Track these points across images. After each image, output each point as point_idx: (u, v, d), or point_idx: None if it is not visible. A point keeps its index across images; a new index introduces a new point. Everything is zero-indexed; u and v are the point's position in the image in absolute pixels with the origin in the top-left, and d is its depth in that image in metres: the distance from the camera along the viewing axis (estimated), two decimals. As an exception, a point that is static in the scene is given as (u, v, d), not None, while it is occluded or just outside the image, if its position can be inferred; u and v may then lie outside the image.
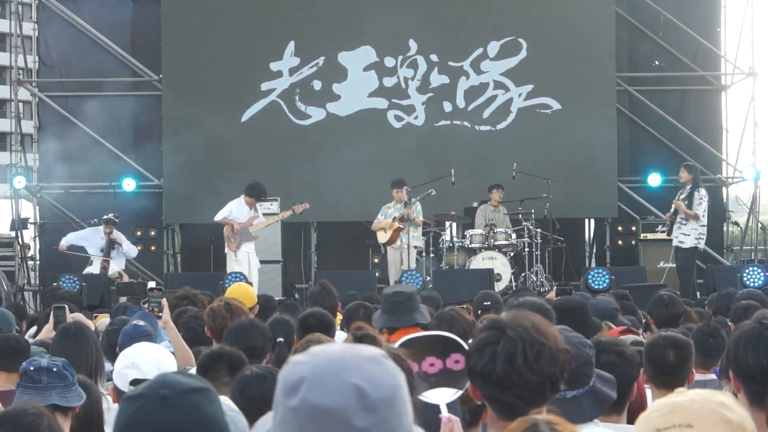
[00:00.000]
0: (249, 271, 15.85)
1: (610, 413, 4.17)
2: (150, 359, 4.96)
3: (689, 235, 15.96)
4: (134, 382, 4.84)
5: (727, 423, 2.35)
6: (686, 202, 15.85)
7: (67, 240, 17.40)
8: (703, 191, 16.07)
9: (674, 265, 16.55)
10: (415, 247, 16.59)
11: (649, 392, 4.99)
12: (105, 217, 17.38)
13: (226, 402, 3.47)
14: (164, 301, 7.46)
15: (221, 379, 4.80)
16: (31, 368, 4.70)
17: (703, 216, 15.96)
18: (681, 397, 2.40)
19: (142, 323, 6.75)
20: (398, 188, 16.65)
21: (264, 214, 16.56)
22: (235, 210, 16.19)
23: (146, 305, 7.58)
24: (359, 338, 3.00)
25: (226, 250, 16.29)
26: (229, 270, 15.92)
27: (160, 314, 7.28)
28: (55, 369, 4.67)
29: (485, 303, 8.72)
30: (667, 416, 2.36)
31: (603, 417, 4.09)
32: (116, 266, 17.22)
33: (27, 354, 6.06)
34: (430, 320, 6.46)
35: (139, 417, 2.30)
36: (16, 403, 4.38)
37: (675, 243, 16.04)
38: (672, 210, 16.05)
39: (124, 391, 4.89)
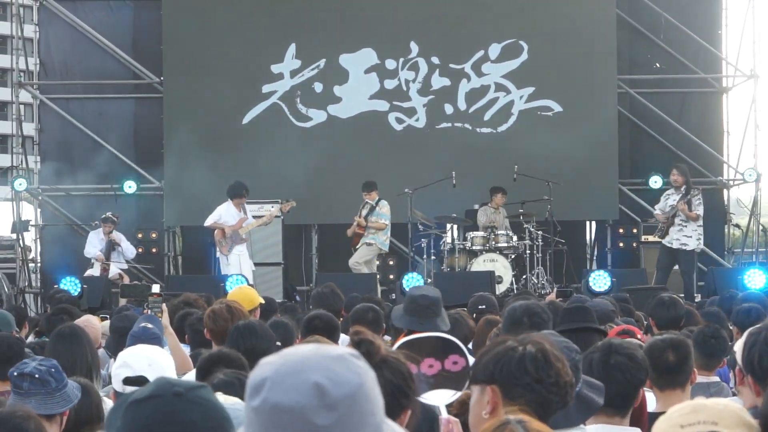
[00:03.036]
0: (241, 273, 16.00)
1: (613, 416, 4.17)
2: (141, 357, 4.98)
3: (691, 236, 15.97)
4: (126, 380, 4.85)
5: (748, 426, 2.37)
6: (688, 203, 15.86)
7: (94, 251, 17.38)
8: (698, 192, 16.08)
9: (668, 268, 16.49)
10: (368, 243, 16.79)
11: (651, 396, 4.98)
12: (104, 216, 17.42)
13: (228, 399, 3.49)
14: (164, 306, 7.49)
15: None
16: (15, 374, 4.70)
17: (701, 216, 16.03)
18: (703, 400, 2.45)
19: (150, 326, 6.77)
20: (364, 191, 16.87)
21: (254, 216, 16.66)
22: (225, 214, 16.38)
23: (147, 310, 7.60)
24: (357, 343, 2.99)
25: (218, 254, 16.46)
26: (223, 273, 16.12)
27: (160, 318, 7.31)
28: (37, 375, 4.64)
29: (480, 307, 8.64)
30: (691, 414, 2.39)
31: (606, 420, 4.10)
32: (117, 268, 17.24)
33: (21, 356, 6.06)
34: (449, 328, 6.43)
35: (161, 417, 2.28)
36: (5, 406, 4.39)
37: (676, 246, 15.99)
38: (669, 212, 16.00)
39: (119, 391, 4.90)
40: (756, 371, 3.48)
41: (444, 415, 3.35)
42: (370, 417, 2.04)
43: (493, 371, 3.19)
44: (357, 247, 16.88)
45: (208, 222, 16.47)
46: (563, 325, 5.92)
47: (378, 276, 17.12)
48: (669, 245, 16.04)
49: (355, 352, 2.10)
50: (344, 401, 2.00)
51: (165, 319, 7.25)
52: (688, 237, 15.94)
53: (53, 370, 4.71)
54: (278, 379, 2.01)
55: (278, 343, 6.39)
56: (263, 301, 8.78)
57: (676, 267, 16.29)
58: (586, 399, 3.64)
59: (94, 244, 17.48)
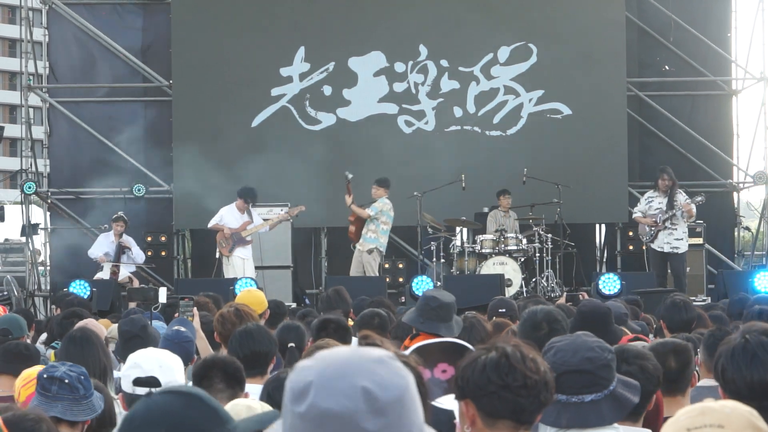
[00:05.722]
0: (244, 276, 15.98)
1: (624, 420, 4.16)
2: (151, 358, 4.99)
3: (682, 239, 16.11)
4: (136, 381, 4.87)
5: (756, 429, 2.37)
6: (672, 206, 15.91)
7: (98, 252, 17.35)
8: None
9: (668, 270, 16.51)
10: (368, 251, 16.43)
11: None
12: (115, 215, 17.43)
13: (249, 403, 3.48)
14: (195, 309, 7.53)
15: (215, 386, 4.83)
16: (45, 375, 4.67)
17: None
18: (712, 403, 2.45)
19: (183, 329, 6.78)
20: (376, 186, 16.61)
21: (264, 219, 16.70)
22: (226, 215, 16.49)
23: (177, 314, 7.64)
24: (365, 347, 2.99)
25: (218, 254, 16.50)
26: (225, 275, 16.13)
27: (191, 321, 7.35)
28: (67, 380, 4.61)
29: (500, 310, 8.68)
30: (698, 417, 2.39)
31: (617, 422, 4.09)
32: (126, 271, 17.25)
33: (36, 360, 6.06)
34: (456, 335, 6.38)
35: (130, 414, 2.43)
36: (14, 410, 4.38)
37: (667, 249, 16.06)
38: (658, 216, 16.00)
39: (129, 394, 4.91)
40: (721, 383, 3.51)
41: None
42: (416, 418, 2.05)
43: (462, 386, 3.19)
44: (357, 247, 16.69)
45: (210, 224, 16.68)
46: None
47: (387, 279, 17.12)
48: (660, 250, 16.13)
49: (391, 354, 2.09)
50: (393, 406, 2.01)
51: (196, 323, 7.26)
52: (679, 240, 16.08)
53: (82, 377, 4.67)
54: (324, 383, 2.01)
55: (291, 345, 6.41)
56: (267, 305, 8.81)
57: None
58: (621, 398, 3.67)
59: (100, 246, 17.45)
